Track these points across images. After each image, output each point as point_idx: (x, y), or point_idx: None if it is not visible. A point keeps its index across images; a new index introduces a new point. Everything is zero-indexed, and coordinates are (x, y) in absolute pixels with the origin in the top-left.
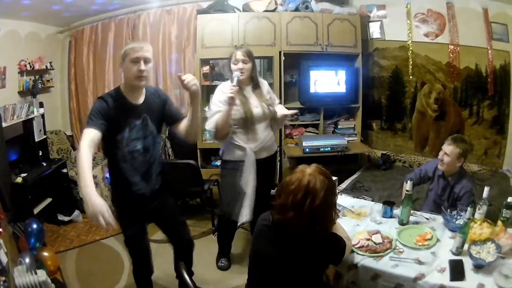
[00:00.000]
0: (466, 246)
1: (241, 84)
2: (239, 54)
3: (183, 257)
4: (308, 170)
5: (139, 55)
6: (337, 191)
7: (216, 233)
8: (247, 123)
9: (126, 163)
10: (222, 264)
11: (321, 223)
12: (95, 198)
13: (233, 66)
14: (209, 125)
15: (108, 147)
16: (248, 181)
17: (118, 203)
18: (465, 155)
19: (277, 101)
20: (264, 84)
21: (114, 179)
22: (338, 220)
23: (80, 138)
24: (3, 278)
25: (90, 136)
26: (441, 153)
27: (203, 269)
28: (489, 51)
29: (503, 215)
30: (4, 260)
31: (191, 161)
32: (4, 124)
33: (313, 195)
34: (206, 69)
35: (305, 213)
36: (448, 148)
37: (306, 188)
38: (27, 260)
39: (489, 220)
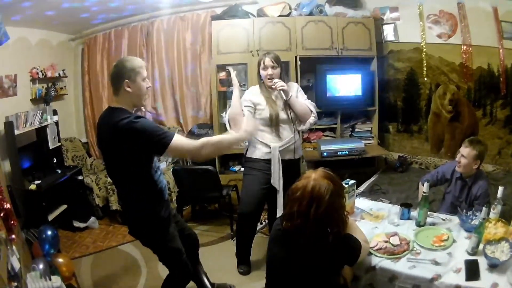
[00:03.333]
0: (481, 246)
1: (270, 87)
2: (268, 61)
3: (193, 251)
4: (313, 176)
5: (146, 73)
6: (355, 194)
7: (234, 238)
8: (273, 123)
9: (157, 173)
10: (242, 271)
11: (331, 226)
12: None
13: (262, 72)
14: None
15: (144, 165)
16: (279, 178)
17: (163, 216)
18: (481, 157)
19: (304, 97)
20: (292, 86)
21: (149, 195)
22: (357, 223)
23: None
24: (16, 284)
25: (181, 137)
26: (458, 155)
27: (222, 273)
28: (500, 50)
29: None
30: (17, 266)
31: (209, 167)
32: (16, 132)
33: (318, 202)
34: (222, 75)
35: (311, 220)
36: (465, 151)
37: (310, 194)
38: (41, 266)
39: (503, 220)
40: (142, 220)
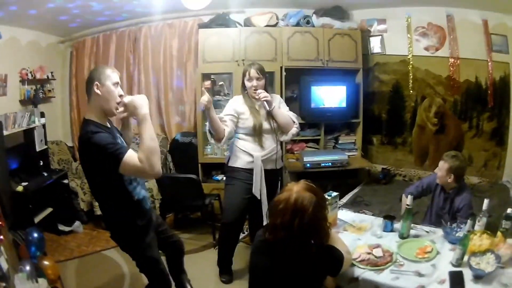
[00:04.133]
0: (466, 258)
1: (254, 98)
2: (253, 72)
3: (177, 259)
4: (295, 188)
5: (118, 79)
6: (338, 206)
7: (217, 246)
8: (256, 133)
9: (131, 184)
10: (224, 280)
11: (314, 238)
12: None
13: (247, 83)
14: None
15: (112, 177)
16: (261, 187)
17: (139, 224)
18: (454, 171)
19: (286, 108)
20: (275, 98)
21: (123, 205)
22: (339, 235)
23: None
24: (4, 284)
25: (131, 156)
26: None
27: (205, 282)
28: (489, 63)
29: (503, 226)
30: (5, 266)
31: (192, 176)
32: (5, 132)
33: (301, 213)
34: (207, 83)
35: (295, 232)
36: (440, 163)
37: (293, 207)
38: (28, 268)
39: (488, 232)
40: (118, 227)
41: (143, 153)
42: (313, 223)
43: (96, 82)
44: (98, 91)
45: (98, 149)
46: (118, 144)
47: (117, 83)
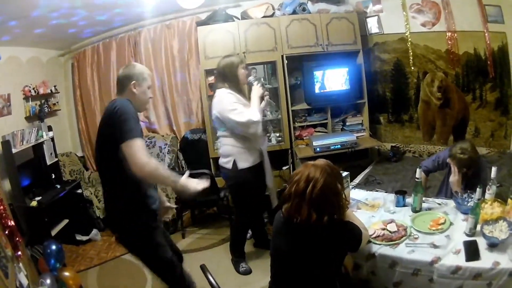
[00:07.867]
0: (478, 227)
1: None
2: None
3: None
4: (313, 163)
5: (151, 84)
6: (351, 186)
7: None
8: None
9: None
10: (245, 268)
11: (326, 210)
12: (186, 180)
13: (243, 72)
14: (257, 115)
15: (125, 165)
16: (271, 176)
17: (149, 223)
18: (469, 165)
19: None
20: None
21: (131, 200)
22: (354, 213)
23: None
24: None
25: (144, 147)
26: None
27: (225, 275)
28: (486, 34)
29: None
30: (25, 282)
31: (205, 171)
32: (14, 150)
33: (313, 183)
34: (211, 79)
35: (307, 200)
36: (454, 169)
37: (307, 177)
38: (48, 281)
39: (499, 200)
40: (126, 225)
41: (158, 170)
42: (324, 193)
43: (134, 81)
44: (134, 90)
45: (120, 114)
46: (137, 128)
47: (150, 86)
